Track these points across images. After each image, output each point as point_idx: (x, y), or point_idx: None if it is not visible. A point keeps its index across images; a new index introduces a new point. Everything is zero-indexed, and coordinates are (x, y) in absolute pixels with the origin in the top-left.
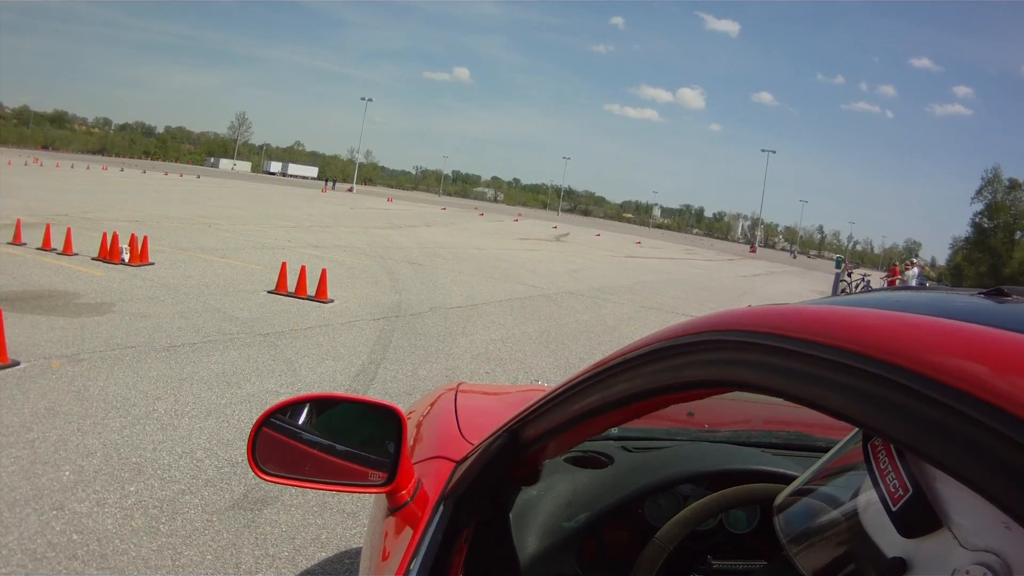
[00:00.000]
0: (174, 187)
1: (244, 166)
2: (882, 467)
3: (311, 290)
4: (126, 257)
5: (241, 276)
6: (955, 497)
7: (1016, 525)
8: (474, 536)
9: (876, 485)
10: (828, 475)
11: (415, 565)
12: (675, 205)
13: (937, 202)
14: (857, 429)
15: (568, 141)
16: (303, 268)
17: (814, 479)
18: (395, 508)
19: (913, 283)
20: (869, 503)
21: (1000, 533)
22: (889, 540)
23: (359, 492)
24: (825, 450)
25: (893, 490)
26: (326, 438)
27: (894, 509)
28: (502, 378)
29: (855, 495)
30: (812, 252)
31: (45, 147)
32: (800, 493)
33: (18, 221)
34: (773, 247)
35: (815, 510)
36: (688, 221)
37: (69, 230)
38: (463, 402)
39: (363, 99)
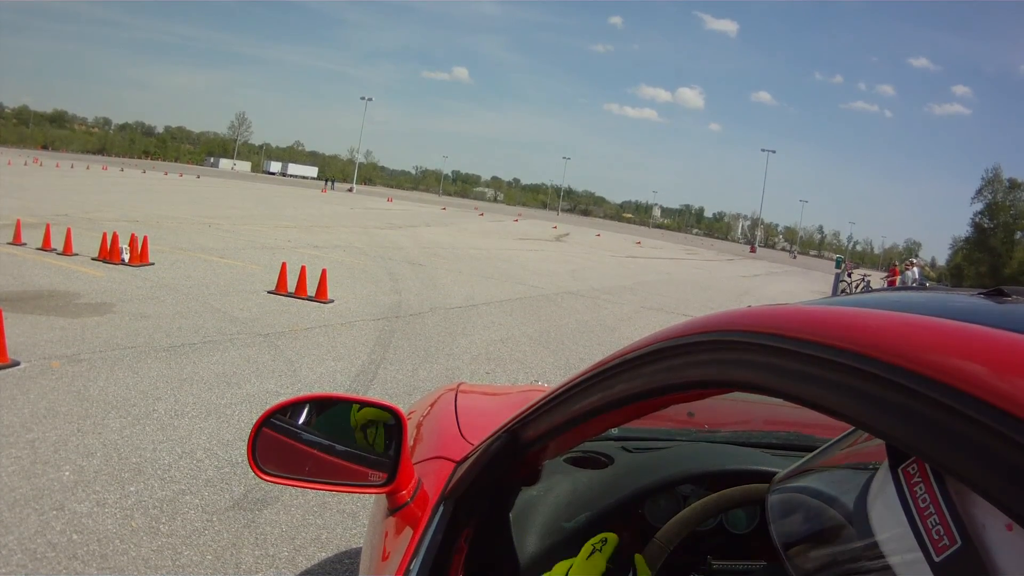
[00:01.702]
0: (174, 187)
1: (244, 166)
2: (921, 505)
3: (311, 290)
4: (126, 257)
5: (241, 276)
6: (1011, 554)
7: None
8: (474, 536)
9: (912, 522)
10: (833, 469)
11: (415, 565)
12: (675, 205)
13: (937, 202)
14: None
15: (568, 141)
16: (303, 268)
17: (816, 467)
18: (395, 508)
19: (913, 283)
20: (894, 531)
21: None
22: None
23: (359, 492)
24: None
25: (936, 537)
26: (326, 438)
27: (937, 560)
28: (502, 378)
29: (866, 504)
30: (812, 252)
31: (45, 147)
32: (800, 482)
33: (18, 221)
34: (773, 247)
35: (816, 508)
36: (688, 221)
37: (69, 230)
38: (463, 402)
39: (363, 99)
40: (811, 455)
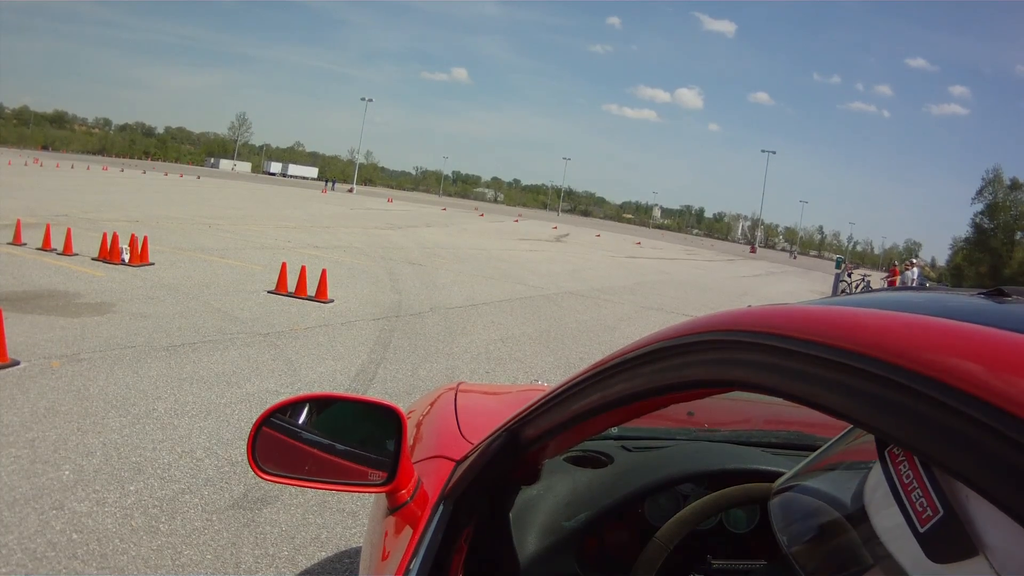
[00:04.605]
0: (174, 187)
1: (244, 166)
2: (905, 481)
3: (311, 290)
4: (126, 257)
5: (241, 276)
6: (991, 521)
7: None
8: (474, 536)
9: (898, 499)
10: (831, 469)
11: (415, 565)
12: (675, 206)
13: (937, 202)
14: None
15: (568, 141)
16: (303, 268)
17: (814, 469)
18: (395, 507)
19: (913, 283)
20: (886, 515)
21: None
22: (914, 561)
23: (359, 492)
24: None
25: (920, 509)
26: (326, 438)
27: (922, 530)
28: (502, 378)
29: (863, 497)
30: (812, 253)
31: (45, 147)
32: (800, 483)
33: (18, 221)
34: (773, 247)
35: (817, 507)
36: (688, 221)
37: (69, 230)
38: (463, 402)
39: (363, 99)
40: (810, 457)
